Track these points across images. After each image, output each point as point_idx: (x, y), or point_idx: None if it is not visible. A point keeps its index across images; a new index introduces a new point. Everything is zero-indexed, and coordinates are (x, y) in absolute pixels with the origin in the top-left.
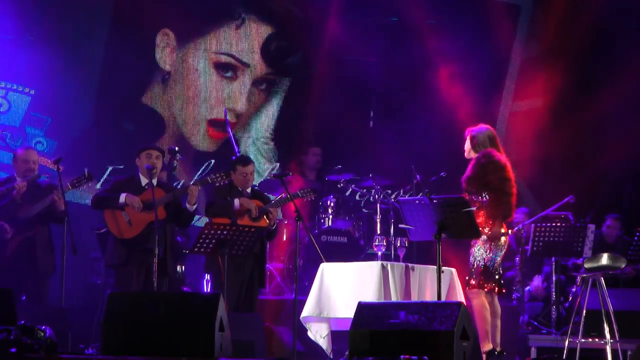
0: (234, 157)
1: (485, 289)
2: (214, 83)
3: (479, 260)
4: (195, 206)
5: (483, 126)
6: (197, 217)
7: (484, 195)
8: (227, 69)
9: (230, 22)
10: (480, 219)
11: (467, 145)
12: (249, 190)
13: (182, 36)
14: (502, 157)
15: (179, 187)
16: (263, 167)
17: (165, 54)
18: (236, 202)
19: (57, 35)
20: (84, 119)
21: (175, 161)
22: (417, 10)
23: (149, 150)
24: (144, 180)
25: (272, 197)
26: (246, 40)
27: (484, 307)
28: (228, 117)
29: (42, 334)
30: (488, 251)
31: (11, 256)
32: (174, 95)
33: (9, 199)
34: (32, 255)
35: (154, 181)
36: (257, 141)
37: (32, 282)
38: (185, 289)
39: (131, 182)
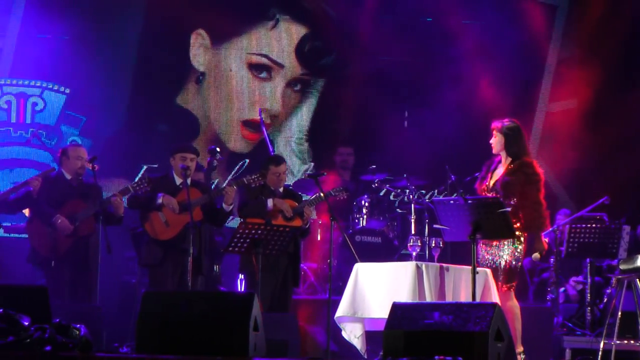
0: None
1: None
2: (249, 84)
3: (513, 262)
4: (232, 206)
5: (511, 121)
6: (229, 218)
7: (513, 199)
8: (261, 69)
9: (265, 23)
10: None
11: (500, 140)
12: (281, 189)
13: (216, 36)
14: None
15: (213, 187)
16: (297, 168)
17: (199, 55)
18: (269, 202)
19: (92, 34)
20: (118, 118)
21: (215, 161)
22: (452, 10)
23: (184, 153)
24: (177, 180)
25: (305, 196)
26: (280, 40)
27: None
28: (262, 118)
29: (77, 332)
30: (518, 252)
31: (65, 254)
32: (208, 96)
33: (25, 195)
34: (85, 255)
35: (188, 181)
36: (291, 142)
37: (81, 281)
38: (221, 288)
39: (165, 180)
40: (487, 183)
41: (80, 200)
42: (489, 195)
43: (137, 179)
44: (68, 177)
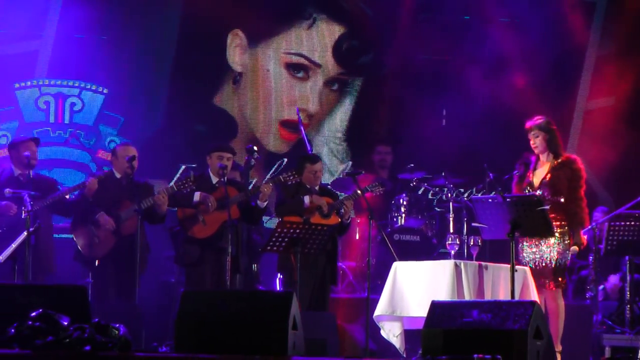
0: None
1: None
2: (286, 83)
3: (562, 259)
4: (266, 203)
5: (544, 118)
6: (267, 217)
7: (561, 196)
8: (298, 69)
9: (302, 22)
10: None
11: (543, 138)
12: (317, 187)
13: (253, 36)
14: None
15: (250, 186)
16: (335, 167)
17: (236, 55)
18: (306, 199)
19: (129, 34)
20: (156, 119)
21: (252, 160)
22: (489, 8)
23: (221, 152)
24: (214, 179)
25: (343, 195)
26: (317, 40)
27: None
28: (300, 117)
29: (116, 331)
30: (566, 250)
31: (109, 253)
32: (245, 96)
33: (81, 196)
34: (130, 254)
35: (223, 179)
36: (329, 142)
37: (125, 280)
38: (259, 287)
39: (201, 179)
40: (529, 182)
41: (127, 200)
42: (535, 193)
43: (181, 179)
44: (118, 176)
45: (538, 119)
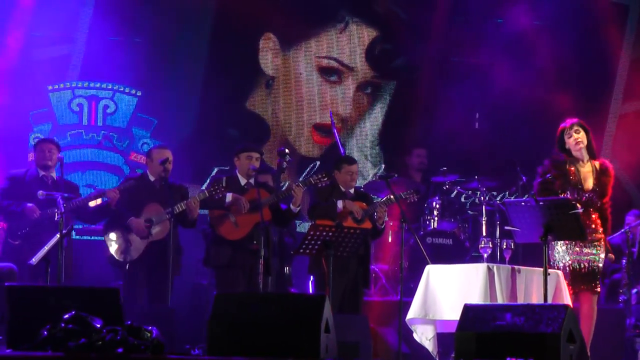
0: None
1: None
2: (319, 87)
3: (600, 265)
4: (299, 207)
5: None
6: (298, 221)
7: (605, 200)
8: (331, 73)
9: (334, 26)
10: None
11: (584, 137)
12: (352, 190)
13: (286, 40)
14: None
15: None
16: (368, 172)
17: (268, 59)
18: (340, 203)
19: (162, 37)
20: (189, 122)
21: (284, 162)
22: (523, 11)
23: (250, 153)
24: (242, 180)
25: (376, 198)
26: (350, 43)
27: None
28: (333, 120)
29: (149, 334)
30: (605, 256)
31: (141, 257)
32: (278, 100)
33: (105, 205)
34: (163, 256)
35: (251, 181)
36: (362, 146)
37: (157, 282)
38: (291, 290)
39: (230, 181)
40: (574, 184)
41: (159, 203)
42: (587, 196)
43: (214, 184)
44: (152, 178)
45: (572, 120)
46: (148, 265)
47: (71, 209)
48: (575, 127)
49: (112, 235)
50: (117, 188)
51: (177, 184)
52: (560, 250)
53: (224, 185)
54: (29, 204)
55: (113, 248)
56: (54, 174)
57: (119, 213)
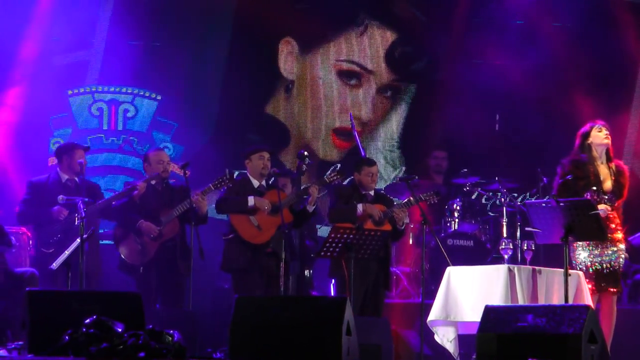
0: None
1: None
2: (338, 91)
3: (622, 265)
4: (314, 207)
5: None
6: (318, 225)
7: (621, 200)
8: (351, 76)
9: (354, 29)
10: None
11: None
12: (372, 192)
13: (305, 44)
14: None
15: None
16: (389, 175)
17: (288, 63)
18: (360, 207)
19: (181, 42)
20: (209, 126)
21: (304, 165)
22: (543, 12)
23: (262, 152)
24: (255, 182)
25: (397, 200)
26: (370, 46)
27: None
28: (354, 122)
29: (170, 338)
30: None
31: (153, 258)
32: (297, 104)
33: (128, 199)
34: (173, 259)
35: (264, 183)
36: (383, 149)
37: (170, 285)
38: (313, 292)
39: (243, 184)
40: (594, 184)
41: (165, 204)
42: (607, 197)
43: (217, 178)
44: (152, 182)
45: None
46: (159, 268)
47: (98, 210)
48: (598, 127)
49: (124, 242)
50: (145, 181)
51: (179, 185)
52: (582, 251)
53: (227, 177)
54: (54, 207)
55: (125, 253)
56: (76, 178)
57: (128, 218)
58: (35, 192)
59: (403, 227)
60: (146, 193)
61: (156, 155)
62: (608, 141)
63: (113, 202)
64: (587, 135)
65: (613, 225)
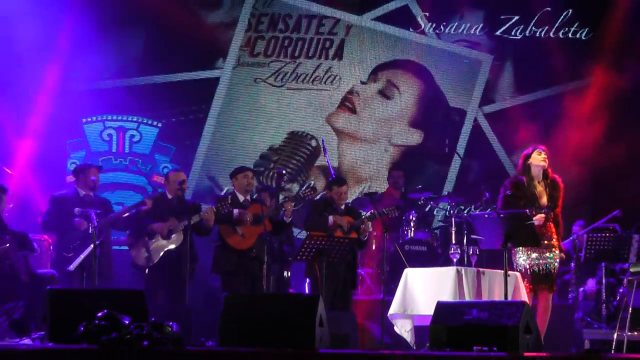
0: (330, 179)
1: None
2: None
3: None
4: (290, 218)
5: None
6: (297, 231)
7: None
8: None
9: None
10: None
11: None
12: (343, 206)
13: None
14: None
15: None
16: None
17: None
18: (330, 218)
19: (177, 77)
20: (202, 149)
21: (282, 182)
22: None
23: (247, 172)
24: (241, 197)
25: (363, 212)
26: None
27: None
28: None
29: (170, 329)
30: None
31: (160, 262)
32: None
33: (135, 212)
34: (178, 263)
35: (248, 198)
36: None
37: (174, 286)
38: (290, 290)
39: (231, 199)
40: (532, 202)
41: (176, 217)
42: (544, 211)
43: (218, 200)
44: (169, 196)
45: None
46: (167, 271)
47: (110, 221)
48: (544, 152)
49: (135, 246)
50: (150, 197)
51: (191, 201)
52: (522, 255)
53: (229, 201)
54: (76, 218)
55: (134, 256)
56: (91, 193)
57: (142, 224)
58: (57, 205)
59: (365, 238)
60: (163, 206)
61: (174, 176)
62: (545, 164)
63: (124, 215)
64: (528, 157)
65: (549, 233)
